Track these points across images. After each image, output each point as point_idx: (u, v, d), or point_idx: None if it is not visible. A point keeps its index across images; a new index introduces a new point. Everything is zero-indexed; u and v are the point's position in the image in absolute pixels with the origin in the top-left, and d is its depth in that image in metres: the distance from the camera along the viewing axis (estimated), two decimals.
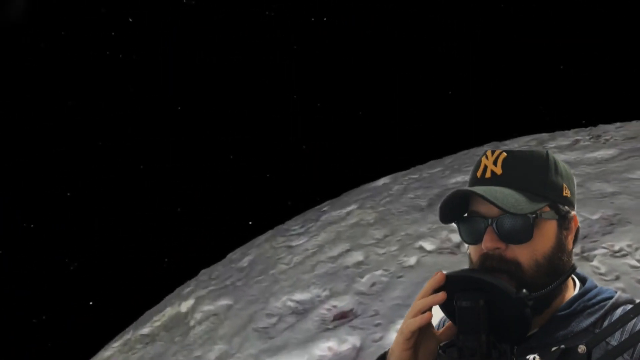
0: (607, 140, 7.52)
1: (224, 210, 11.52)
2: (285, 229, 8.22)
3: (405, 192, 7.57)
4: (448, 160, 8.66)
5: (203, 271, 8.15)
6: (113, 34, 11.43)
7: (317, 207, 8.83)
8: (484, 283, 0.94)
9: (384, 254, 5.75)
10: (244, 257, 7.68)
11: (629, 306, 0.96)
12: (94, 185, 11.60)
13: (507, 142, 8.66)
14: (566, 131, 8.59)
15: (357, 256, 5.90)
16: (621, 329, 0.92)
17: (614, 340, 0.92)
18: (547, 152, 1.05)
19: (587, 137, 7.87)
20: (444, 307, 1.00)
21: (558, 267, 1.00)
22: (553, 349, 0.92)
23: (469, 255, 1.05)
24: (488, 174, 1.02)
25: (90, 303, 10.59)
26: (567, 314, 0.99)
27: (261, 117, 12.12)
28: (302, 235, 7.43)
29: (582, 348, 0.90)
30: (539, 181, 1.01)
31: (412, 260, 5.34)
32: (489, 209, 0.99)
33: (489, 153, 1.04)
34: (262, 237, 8.30)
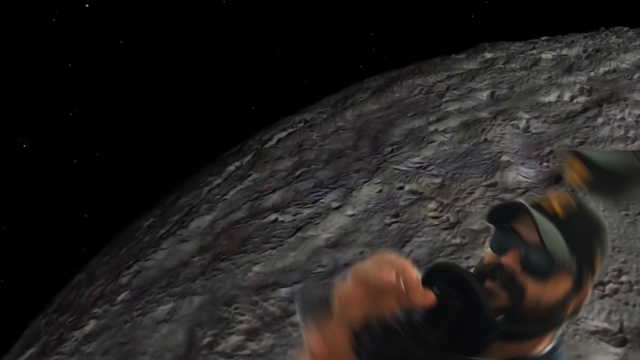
0: None
1: None
2: None
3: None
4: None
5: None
6: None
7: None
8: (470, 288, 0.91)
9: None
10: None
11: None
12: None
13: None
14: None
15: None
16: None
17: None
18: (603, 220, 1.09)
19: None
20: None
21: (551, 320, 1.03)
22: None
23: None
24: (549, 208, 1.05)
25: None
26: None
27: None
28: None
29: None
30: (587, 250, 1.04)
31: None
32: (528, 234, 1.01)
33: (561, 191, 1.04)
34: None
